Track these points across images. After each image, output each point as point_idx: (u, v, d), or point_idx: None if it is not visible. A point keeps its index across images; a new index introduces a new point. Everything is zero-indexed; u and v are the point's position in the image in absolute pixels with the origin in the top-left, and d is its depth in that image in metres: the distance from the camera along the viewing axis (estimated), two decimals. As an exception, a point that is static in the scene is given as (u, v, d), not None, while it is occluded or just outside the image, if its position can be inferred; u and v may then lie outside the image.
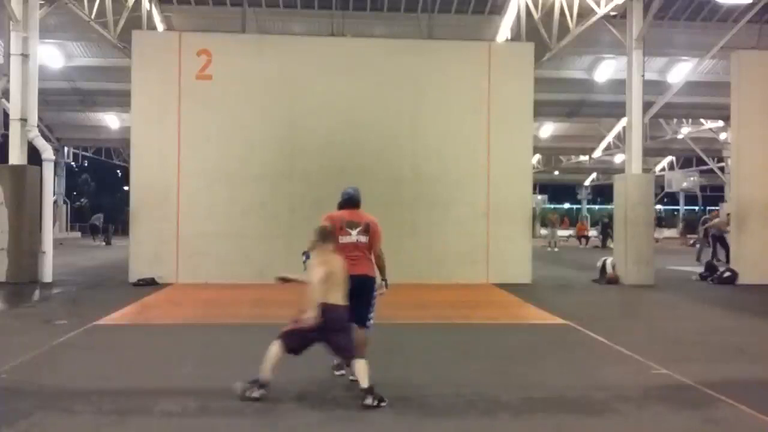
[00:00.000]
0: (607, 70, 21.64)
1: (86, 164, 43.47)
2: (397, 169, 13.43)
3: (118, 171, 47.03)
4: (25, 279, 12.56)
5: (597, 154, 32.76)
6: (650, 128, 24.89)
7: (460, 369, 6.26)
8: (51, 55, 19.76)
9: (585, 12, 15.27)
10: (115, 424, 4.59)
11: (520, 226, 13.74)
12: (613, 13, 14.42)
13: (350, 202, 5.74)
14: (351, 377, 5.45)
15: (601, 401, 5.22)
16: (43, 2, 13.63)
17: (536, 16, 16.73)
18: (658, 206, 45.62)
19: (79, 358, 6.56)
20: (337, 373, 5.66)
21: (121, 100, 20.88)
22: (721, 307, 11.00)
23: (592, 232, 34.36)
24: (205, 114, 13.18)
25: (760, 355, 7.20)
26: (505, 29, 18.85)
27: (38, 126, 13.47)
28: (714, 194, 39.09)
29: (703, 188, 40.87)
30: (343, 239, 5.55)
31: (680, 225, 41.36)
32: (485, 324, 8.97)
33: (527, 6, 17.19)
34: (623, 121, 20.06)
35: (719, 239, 17.57)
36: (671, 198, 49.15)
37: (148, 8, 17.23)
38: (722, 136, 28.03)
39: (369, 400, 4.86)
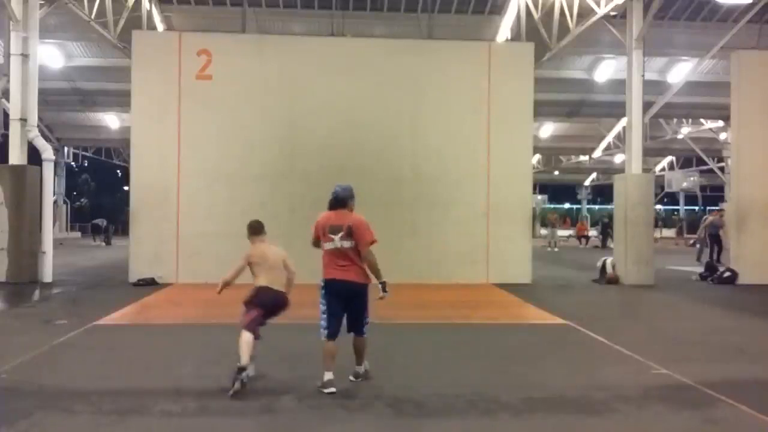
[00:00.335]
0: (607, 70, 21.64)
1: (86, 164, 43.49)
2: (397, 169, 13.43)
3: (118, 171, 47.05)
4: (25, 279, 12.57)
5: (597, 154, 32.77)
6: (650, 128, 24.87)
7: (460, 369, 6.26)
8: (51, 55, 19.76)
9: (585, 12, 15.27)
10: (115, 424, 4.59)
11: (520, 226, 13.74)
12: (613, 13, 14.42)
13: (335, 202, 5.44)
14: (351, 377, 5.50)
15: (601, 401, 5.22)
16: (43, 2, 13.63)
17: (536, 16, 16.73)
18: (658, 206, 45.61)
19: (79, 358, 6.56)
20: (326, 391, 5.18)
21: (121, 100, 20.89)
22: (721, 307, 11.00)
23: (592, 232, 34.36)
24: (205, 114, 13.18)
25: (760, 355, 7.20)
26: (505, 29, 18.85)
27: (38, 126, 13.49)
28: (714, 194, 39.10)
29: (703, 188, 40.88)
30: (327, 246, 5.37)
31: (678, 226, 41.35)
32: (485, 324, 8.97)
33: (527, 6, 17.19)
34: (623, 121, 20.07)
35: (715, 238, 17.54)
36: (671, 198, 49.15)
37: (148, 8, 17.23)
38: (722, 136, 28.03)
39: (244, 374, 5.25)
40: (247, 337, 5.49)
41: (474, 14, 19.07)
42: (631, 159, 13.94)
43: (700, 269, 15.73)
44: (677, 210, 51.26)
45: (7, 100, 12.93)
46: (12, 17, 12.61)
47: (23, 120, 12.77)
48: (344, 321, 5.45)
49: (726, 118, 22.80)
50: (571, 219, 42.54)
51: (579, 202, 52.30)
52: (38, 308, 10.28)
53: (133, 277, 12.74)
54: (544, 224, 39.74)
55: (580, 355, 7.01)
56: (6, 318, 9.39)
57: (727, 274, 14.25)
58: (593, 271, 14.87)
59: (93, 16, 15.48)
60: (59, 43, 19.67)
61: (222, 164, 13.23)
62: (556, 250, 26.63)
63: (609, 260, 14.21)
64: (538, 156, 37.84)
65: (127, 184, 15.15)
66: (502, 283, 13.02)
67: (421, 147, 13.62)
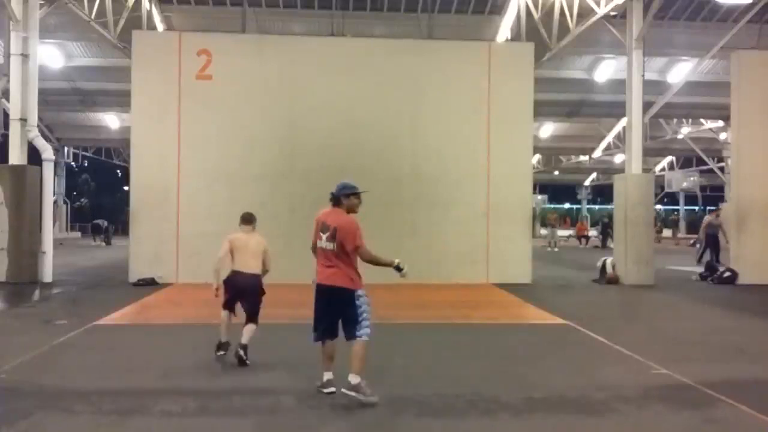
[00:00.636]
0: (607, 70, 21.63)
1: (86, 164, 43.46)
2: (397, 169, 13.43)
3: (118, 171, 47.02)
4: (25, 279, 12.56)
5: (597, 154, 32.76)
6: (650, 128, 24.86)
7: (460, 369, 6.26)
8: (51, 55, 19.76)
9: (585, 12, 15.27)
10: (115, 424, 4.59)
11: (520, 226, 13.74)
12: (613, 13, 14.42)
13: (331, 199, 5.25)
14: (343, 389, 5.01)
15: (601, 401, 5.22)
16: (43, 2, 13.63)
17: (536, 16, 16.73)
18: (658, 206, 45.60)
19: (79, 358, 6.56)
20: (325, 391, 5.17)
21: (121, 100, 20.89)
22: (721, 307, 11.00)
23: (592, 232, 34.36)
24: (205, 114, 13.18)
25: (760, 355, 7.20)
26: (505, 29, 18.85)
27: (38, 126, 13.48)
28: (714, 194, 39.08)
29: (703, 188, 40.87)
30: (319, 243, 5.22)
31: (675, 226, 41.27)
32: (485, 324, 8.97)
33: (527, 6, 17.19)
34: (623, 121, 20.06)
35: (713, 238, 17.49)
36: (671, 198, 49.13)
37: (148, 8, 17.23)
38: (722, 136, 28.03)
39: (241, 353, 6.16)
40: (223, 315, 6.43)
41: (474, 14, 19.07)
42: (631, 159, 13.94)
43: (700, 269, 15.72)
44: (676, 210, 51.24)
45: (7, 100, 12.93)
46: (12, 17, 12.61)
47: (23, 120, 12.77)
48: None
49: (726, 118, 22.80)
50: (571, 219, 42.52)
51: (579, 202, 52.29)
52: (38, 308, 10.28)
53: (133, 277, 12.74)
54: (544, 224, 39.75)
55: (580, 355, 7.01)
56: (6, 318, 9.39)
57: (727, 274, 14.25)
58: (593, 271, 14.87)
59: (93, 16, 15.48)
60: (59, 43, 19.67)
61: (222, 164, 13.23)
62: (556, 250, 26.63)
63: (609, 260, 14.21)
64: (538, 156, 37.84)
65: (127, 184, 15.16)
66: (502, 283, 13.02)
67: (421, 147, 13.62)
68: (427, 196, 13.49)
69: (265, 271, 6.59)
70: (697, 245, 20.59)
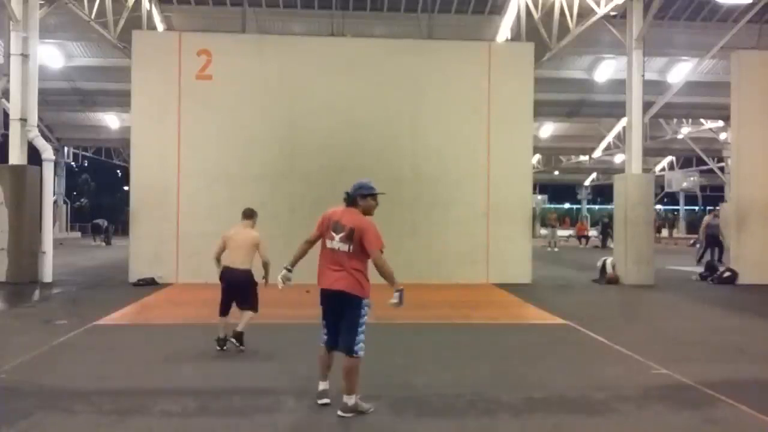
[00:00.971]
0: (607, 70, 21.63)
1: (86, 164, 43.44)
2: (397, 169, 13.42)
3: (118, 171, 47.00)
4: (25, 279, 12.56)
5: (597, 154, 32.75)
6: (650, 128, 24.86)
7: (460, 369, 6.26)
8: (51, 55, 19.75)
9: (585, 12, 15.27)
10: (115, 424, 4.59)
11: (520, 226, 13.74)
12: (613, 13, 14.42)
13: (347, 199, 4.90)
14: (339, 412, 4.77)
15: (601, 401, 5.22)
16: (43, 2, 13.63)
17: (536, 16, 16.73)
18: (658, 206, 45.59)
19: (79, 358, 6.56)
20: (320, 402, 4.92)
21: (121, 100, 20.88)
22: (721, 307, 11.00)
23: (592, 232, 34.36)
24: (205, 114, 13.19)
25: (760, 355, 7.20)
26: (505, 29, 18.85)
27: (38, 126, 13.48)
28: (714, 194, 39.07)
29: (703, 188, 40.85)
30: (329, 244, 4.84)
31: (672, 226, 41.20)
32: (485, 324, 8.97)
33: (527, 6, 17.19)
34: (623, 121, 20.06)
35: (712, 238, 17.49)
36: (671, 198, 49.13)
37: (148, 8, 17.23)
38: (722, 136, 28.02)
39: (233, 340, 6.72)
40: (220, 321, 6.89)
41: (474, 14, 19.07)
42: (631, 159, 13.94)
43: (700, 269, 15.73)
44: (676, 210, 51.23)
45: (7, 100, 12.93)
46: (12, 17, 12.61)
47: (23, 120, 12.77)
48: None
49: (726, 118, 22.79)
50: (570, 219, 42.52)
51: (579, 202, 52.27)
52: (38, 308, 10.28)
53: (133, 277, 12.74)
54: (544, 224, 39.73)
55: (580, 355, 7.01)
56: (6, 318, 9.39)
57: (727, 274, 14.25)
58: (593, 271, 14.87)
59: (93, 16, 15.47)
60: (59, 43, 19.66)
61: (222, 164, 13.23)
62: (556, 250, 26.62)
63: (609, 260, 14.21)
64: (538, 156, 37.82)
65: (127, 184, 15.16)
66: (502, 283, 13.02)
67: (421, 147, 13.63)
68: (427, 196, 13.50)
69: (264, 264, 6.76)
70: (697, 245, 20.62)
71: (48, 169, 13.28)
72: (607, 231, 27.65)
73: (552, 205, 50.19)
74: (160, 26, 18.19)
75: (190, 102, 13.13)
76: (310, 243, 5.05)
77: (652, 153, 32.96)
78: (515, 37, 17.89)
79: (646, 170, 25.57)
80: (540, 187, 45.07)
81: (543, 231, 37.45)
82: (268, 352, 6.91)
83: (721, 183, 31.52)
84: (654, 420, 4.85)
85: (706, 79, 20.92)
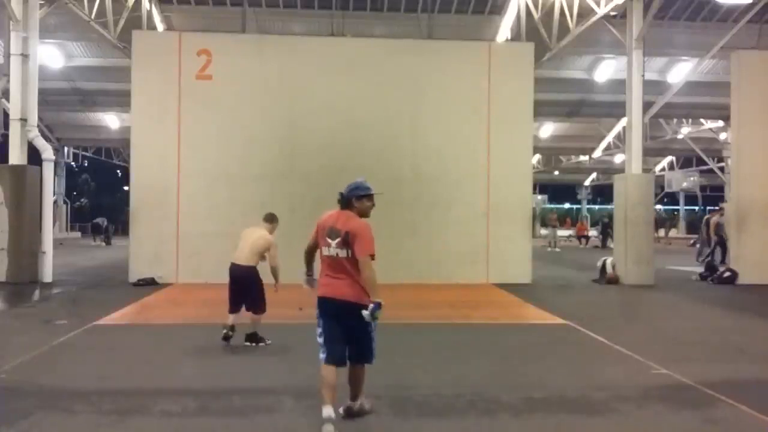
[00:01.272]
0: (607, 70, 21.63)
1: (86, 164, 43.42)
2: (397, 169, 13.42)
3: (118, 171, 46.99)
4: (25, 279, 12.56)
5: (597, 154, 32.76)
6: (650, 128, 24.87)
7: (460, 369, 6.26)
8: (51, 55, 19.75)
9: (585, 12, 15.27)
10: (115, 424, 4.59)
11: (520, 226, 13.74)
12: (613, 13, 14.42)
13: (341, 201, 4.62)
14: (340, 410, 4.64)
15: (601, 401, 5.22)
16: (43, 2, 13.63)
17: (536, 16, 16.73)
18: (658, 206, 45.59)
19: (79, 358, 6.56)
20: (324, 430, 4.28)
21: (121, 100, 20.87)
22: (721, 307, 11.00)
23: (592, 232, 34.35)
24: (205, 114, 13.19)
25: (760, 355, 7.20)
26: (505, 29, 18.85)
27: (38, 126, 13.47)
28: (714, 194, 39.07)
29: (703, 188, 40.85)
30: (324, 251, 4.56)
31: (670, 226, 41.10)
32: (485, 324, 8.97)
33: (527, 6, 17.19)
34: (623, 121, 20.06)
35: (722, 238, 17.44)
36: (671, 198, 49.13)
37: (148, 8, 17.23)
38: (722, 136, 28.02)
39: (246, 342, 6.94)
40: (229, 318, 7.00)
41: (474, 14, 19.06)
42: (631, 159, 13.93)
43: (701, 269, 15.73)
44: (675, 210, 51.24)
45: (7, 100, 12.93)
46: (12, 17, 12.61)
47: (23, 120, 12.76)
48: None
49: (726, 118, 22.79)
50: (571, 219, 42.52)
51: (579, 202, 52.27)
52: (38, 308, 10.28)
53: (133, 277, 12.74)
54: (544, 224, 39.69)
55: (580, 355, 7.01)
56: (6, 318, 9.39)
57: (727, 274, 14.25)
58: (593, 271, 14.86)
59: (93, 16, 15.47)
60: (59, 43, 19.66)
61: (222, 164, 13.23)
62: (557, 250, 26.58)
63: (609, 260, 14.21)
64: (538, 156, 37.82)
65: (127, 184, 15.17)
66: (502, 283, 13.02)
67: (421, 147, 13.63)
68: (427, 196, 13.49)
69: (272, 269, 6.86)
70: (697, 245, 20.61)
71: (48, 169, 13.27)
72: (607, 231, 27.64)
73: (552, 205, 50.20)
74: (160, 26, 18.19)
75: (190, 102, 13.13)
76: (311, 250, 4.79)
77: (652, 153, 32.96)
78: (515, 37, 17.89)
79: (646, 170, 25.58)
80: (540, 187, 45.08)
81: (543, 231, 37.45)
82: (268, 351, 6.91)
83: (721, 183, 31.53)
84: (654, 420, 4.85)
85: (706, 79, 20.92)
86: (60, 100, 24.42)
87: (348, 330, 4.47)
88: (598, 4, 14.36)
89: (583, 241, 31.14)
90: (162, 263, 12.86)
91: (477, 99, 13.66)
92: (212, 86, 13.16)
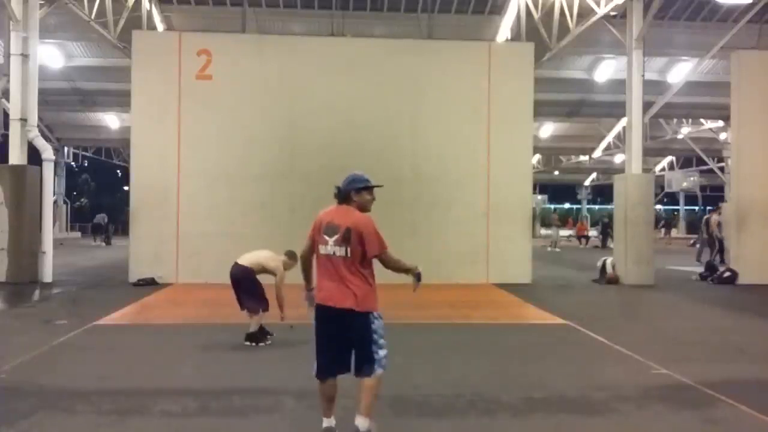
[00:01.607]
0: (607, 70, 21.63)
1: (86, 164, 43.44)
2: (397, 169, 13.41)
3: (118, 171, 47.00)
4: (25, 279, 12.56)
5: (597, 154, 32.76)
6: (650, 128, 24.87)
7: (460, 369, 6.27)
8: (51, 55, 19.75)
9: (585, 12, 15.27)
10: (115, 424, 4.59)
11: (520, 226, 13.74)
12: (613, 13, 14.42)
13: (338, 194, 4.21)
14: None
15: (601, 401, 5.22)
16: (43, 2, 13.63)
17: (536, 16, 16.73)
18: (658, 206, 45.59)
19: (79, 358, 6.56)
20: None
21: (121, 100, 20.87)
22: (721, 307, 11.00)
23: (592, 232, 34.36)
24: (205, 114, 13.19)
25: (760, 355, 7.20)
26: (505, 29, 18.85)
27: (38, 126, 13.47)
28: (714, 194, 39.07)
29: (703, 188, 40.86)
30: (321, 249, 4.11)
31: (669, 227, 41.06)
32: (485, 324, 8.97)
33: (527, 6, 17.19)
34: (623, 121, 20.06)
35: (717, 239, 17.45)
36: (671, 198, 49.13)
37: (148, 8, 17.23)
38: (722, 136, 28.02)
39: (246, 342, 6.97)
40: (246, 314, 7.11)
41: (474, 14, 19.07)
42: (631, 159, 13.93)
43: (701, 269, 15.73)
44: (676, 210, 51.25)
45: (7, 100, 12.93)
46: (12, 17, 12.61)
47: (23, 120, 12.76)
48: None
49: (726, 118, 22.78)
50: (573, 219, 42.54)
51: (579, 202, 52.29)
52: (38, 308, 10.28)
53: (133, 277, 12.74)
54: (544, 224, 39.69)
55: (580, 355, 7.01)
56: (6, 318, 9.39)
57: (727, 274, 14.25)
58: (593, 271, 14.86)
59: (93, 16, 15.47)
60: (59, 43, 19.66)
61: (222, 164, 13.23)
62: (557, 250, 26.56)
63: (609, 260, 14.21)
64: (538, 156, 37.82)
65: (127, 184, 15.18)
66: (502, 283, 13.02)
67: (421, 147, 13.62)
68: (427, 196, 13.49)
69: (278, 297, 6.89)
70: (697, 245, 20.61)
71: (48, 169, 13.27)
72: (607, 231, 27.65)
73: (552, 205, 50.22)
74: (160, 26, 18.19)
75: (190, 102, 13.13)
76: (307, 255, 4.31)
77: (652, 153, 32.96)
78: (515, 37, 17.89)
79: (646, 170, 25.58)
80: (540, 187, 45.09)
81: (543, 231, 37.45)
82: (268, 351, 6.91)
83: (721, 183, 31.52)
84: (654, 420, 4.84)
85: (706, 79, 20.92)
86: (60, 100, 24.43)
87: (346, 341, 4.06)
88: (598, 4, 14.36)
89: (583, 241, 31.15)
90: (162, 263, 12.86)
91: (477, 99, 13.65)
92: (212, 86, 13.15)
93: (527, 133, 14.22)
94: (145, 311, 9.71)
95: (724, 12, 18.29)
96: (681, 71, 20.19)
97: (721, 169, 29.55)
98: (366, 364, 4.03)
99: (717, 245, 17.31)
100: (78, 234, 36.68)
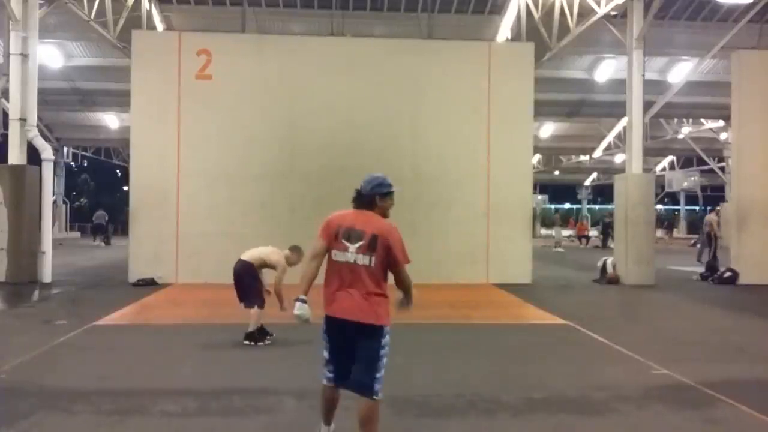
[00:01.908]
0: (607, 69, 21.64)
1: (86, 164, 43.43)
2: (397, 169, 13.33)
3: (118, 171, 46.99)
4: (25, 279, 12.55)
5: (597, 154, 32.77)
6: (650, 128, 24.88)
7: (460, 369, 6.26)
8: (51, 55, 19.76)
9: (585, 12, 15.27)
10: (115, 424, 4.59)
11: (520, 226, 13.73)
12: (613, 13, 14.42)
13: (358, 199, 3.86)
14: None
15: (601, 401, 5.22)
16: (43, 2, 13.63)
17: (536, 16, 16.73)
18: (658, 206, 45.59)
19: (79, 358, 6.55)
20: None
21: (120, 100, 20.89)
22: (721, 307, 10.99)
23: (593, 232, 34.36)
24: (205, 114, 13.18)
25: (760, 355, 7.20)
26: (505, 29, 18.85)
27: (38, 126, 13.46)
28: (714, 194, 39.09)
29: (703, 188, 40.87)
30: (337, 255, 3.77)
31: (669, 227, 41.03)
32: (485, 324, 8.96)
33: (527, 6, 17.19)
34: (623, 121, 20.07)
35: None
36: (672, 198, 49.14)
37: (148, 8, 17.23)
38: (723, 136, 28.07)
39: (245, 342, 7.00)
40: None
41: (474, 14, 19.07)
42: (631, 159, 13.93)
43: (701, 269, 15.72)
44: (676, 210, 51.25)
45: (7, 100, 12.92)
46: (12, 17, 12.60)
47: (23, 120, 12.75)
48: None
49: (726, 118, 22.80)
50: (574, 219, 42.55)
51: (579, 202, 52.30)
52: (38, 308, 10.27)
53: (133, 277, 12.73)
54: (544, 224, 39.70)
55: (580, 355, 7.00)
56: (6, 318, 9.39)
57: (728, 274, 14.24)
58: (593, 271, 14.86)
59: (93, 16, 15.47)
60: (59, 43, 19.67)
61: (222, 164, 13.22)
62: (561, 250, 26.49)
63: (609, 260, 14.21)
64: (538, 156, 37.84)
65: (127, 184, 15.17)
66: (502, 283, 13.02)
67: (421, 147, 13.62)
68: (427, 196, 13.47)
69: (276, 291, 6.87)
70: (698, 245, 20.60)
71: (47, 169, 13.25)
72: (607, 231, 27.65)
73: (552, 206, 50.23)
74: (159, 26, 18.19)
75: (190, 102, 13.12)
76: (319, 257, 3.88)
77: (652, 153, 32.99)
78: (515, 37, 17.89)
79: (647, 170, 25.52)
80: (540, 187, 45.10)
81: (544, 231, 37.44)
82: (268, 351, 6.91)
83: (721, 183, 31.56)
84: (654, 420, 4.84)
85: (706, 79, 20.94)
86: (60, 99, 24.44)
87: (356, 350, 3.77)
88: (599, 4, 14.36)
89: (584, 241, 31.15)
90: (162, 263, 12.85)
91: (477, 99, 13.65)
92: (212, 86, 13.15)
93: (527, 133, 14.21)
94: (145, 311, 9.70)
95: (725, 12, 18.30)
96: (681, 71, 20.21)
97: (722, 168, 29.58)
98: (363, 377, 3.73)
99: (713, 244, 17.31)
100: (77, 234, 36.69)
